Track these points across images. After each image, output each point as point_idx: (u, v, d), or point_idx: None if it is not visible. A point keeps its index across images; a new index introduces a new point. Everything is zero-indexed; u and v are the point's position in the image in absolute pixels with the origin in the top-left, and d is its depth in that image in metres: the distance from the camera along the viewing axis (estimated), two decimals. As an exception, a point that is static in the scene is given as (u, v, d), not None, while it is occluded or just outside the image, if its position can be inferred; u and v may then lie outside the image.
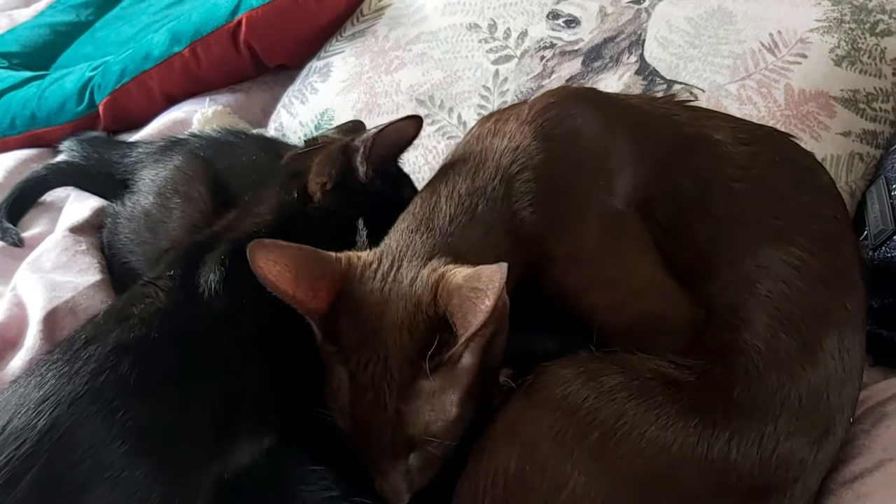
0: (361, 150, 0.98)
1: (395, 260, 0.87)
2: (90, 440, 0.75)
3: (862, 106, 1.19)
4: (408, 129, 0.99)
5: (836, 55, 1.20)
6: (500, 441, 0.85)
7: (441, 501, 0.88)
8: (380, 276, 0.86)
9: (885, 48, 1.21)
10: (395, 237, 0.91)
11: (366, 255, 0.89)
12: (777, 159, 0.97)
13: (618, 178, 0.93)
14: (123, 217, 1.21)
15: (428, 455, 0.85)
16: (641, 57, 1.25)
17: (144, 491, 0.75)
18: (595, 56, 1.29)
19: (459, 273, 0.80)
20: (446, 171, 0.97)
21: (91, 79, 1.57)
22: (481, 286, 0.76)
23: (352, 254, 0.88)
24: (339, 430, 0.86)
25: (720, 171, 0.95)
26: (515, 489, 0.84)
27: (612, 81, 1.24)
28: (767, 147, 0.98)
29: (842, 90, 1.19)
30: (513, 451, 0.84)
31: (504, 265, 0.76)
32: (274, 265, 0.83)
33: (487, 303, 0.75)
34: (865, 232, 1.10)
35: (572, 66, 1.27)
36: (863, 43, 1.21)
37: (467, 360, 0.83)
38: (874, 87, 1.20)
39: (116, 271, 1.22)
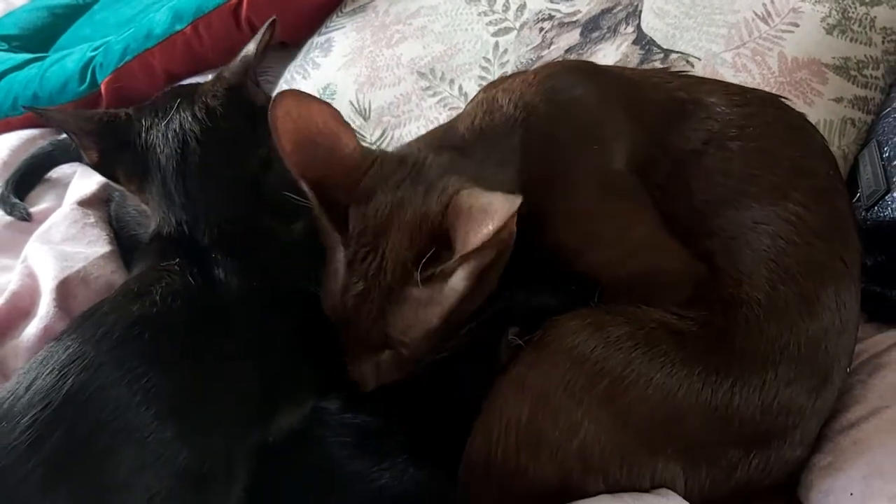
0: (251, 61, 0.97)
1: (415, 166, 0.90)
2: (116, 403, 0.76)
3: (853, 73, 1.22)
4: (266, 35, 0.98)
5: (828, 24, 1.23)
6: (512, 393, 0.88)
7: (453, 454, 0.91)
8: (398, 176, 0.88)
9: (875, 17, 1.24)
10: (420, 146, 0.93)
11: (390, 154, 0.92)
12: (770, 119, 1.00)
13: (614, 144, 0.96)
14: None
15: (400, 355, 0.88)
16: (638, 27, 1.28)
17: (172, 453, 0.76)
18: (593, 27, 1.31)
19: (474, 193, 0.82)
20: (463, 114, 1.00)
21: (92, 58, 1.58)
22: (490, 210, 0.78)
23: (376, 149, 0.92)
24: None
25: (716, 130, 0.97)
26: (528, 439, 0.87)
27: (611, 52, 1.27)
28: (760, 108, 1.00)
29: (833, 58, 1.22)
30: (525, 403, 0.87)
31: (518, 198, 0.78)
32: (288, 121, 0.84)
33: (490, 227, 0.77)
34: (858, 193, 1.14)
35: (571, 37, 1.30)
36: (853, 12, 1.23)
37: (459, 280, 0.85)
38: (864, 55, 1.23)
39: (125, 243, 1.24)
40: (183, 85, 1.03)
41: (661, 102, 1.00)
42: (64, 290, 1.12)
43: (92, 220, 1.26)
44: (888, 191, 1.08)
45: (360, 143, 0.91)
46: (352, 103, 1.40)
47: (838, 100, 1.21)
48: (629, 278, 0.93)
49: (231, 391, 0.84)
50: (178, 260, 0.89)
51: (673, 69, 1.21)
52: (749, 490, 0.90)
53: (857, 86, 1.22)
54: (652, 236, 0.94)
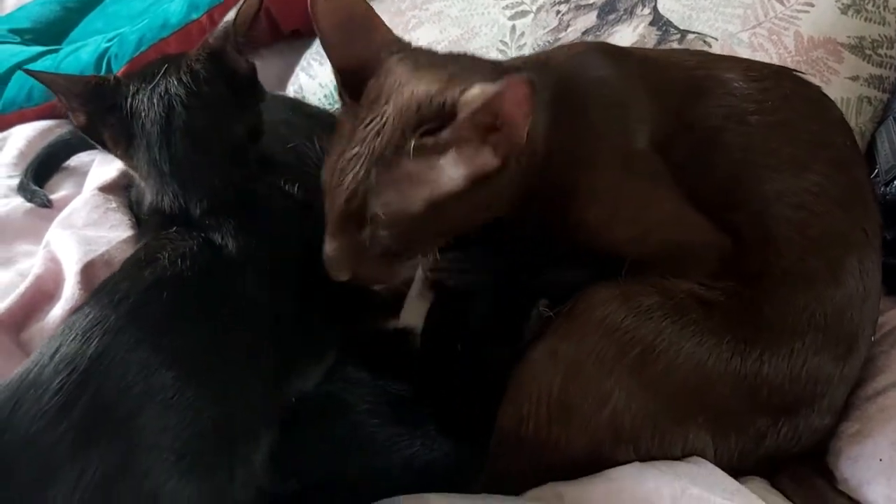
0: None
1: (446, 58, 0.90)
2: (139, 365, 0.76)
3: (868, 52, 1.23)
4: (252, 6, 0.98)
5: (842, 3, 1.24)
6: (543, 365, 0.88)
7: (482, 426, 0.92)
8: (425, 60, 0.87)
9: (889, -3, 1.25)
10: (452, 58, 0.92)
11: (425, 49, 0.91)
12: (788, 93, 1.00)
13: (638, 125, 0.96)
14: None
15: (375, 243, 0.84)
16: (655, 9, 1.29)
17: (196, 413, 0.77)
18: (609, 9, 1.32)
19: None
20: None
21: (107, 49, 1.59)
22: (503, 90, 0.74)
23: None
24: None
25: (735, 105, 0.97)
26: (560, 409, 0.87)
27: (627, 33, 1.28)
28: (777, 82, 1.00)
29: (848, 37, 1.23)
30: (556, 373, 0.87)
31: (532, 83, 0.74)
32: (327, 6, 0.86)
33: (499, 99, 0.74)
34: (876, 170, 1.15)
35: (587, 20, 1.31)
36: (867, -8, 1.25)
37: (453, 165, 0.80)
38: (879, 34, 1.24)
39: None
40: (168, 55, 1.03)
41: (681, 81, 1.00)
42: (88, 272, 1.12)
43: (113, 205, 1.27)
44: (906, 166, 1.09)
45: (395, 35, 0.91)
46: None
47: (854, 78, 1.22)
48: (654, 255, 0.93)
49: (248, 350, 0.85)
50: (175, 228, 0.90)
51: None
52: (777, 458, 0.91)
53: (873, 64, 1.23)
54: (676, 212, 0.94)
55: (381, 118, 0.82)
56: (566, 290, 0.92)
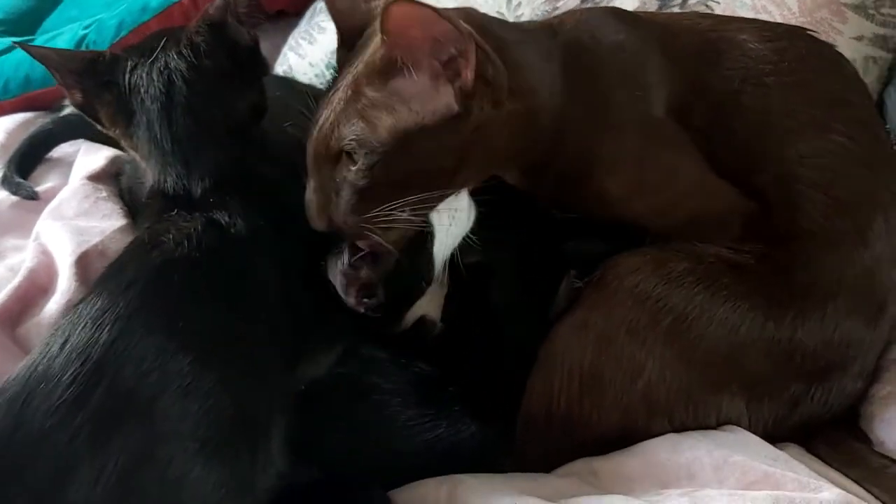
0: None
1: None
2: (155, 351, 0.73)
3: (871, 11, 1.21)
4: None
5: (844, -37, 1.22)
6: (574, 337, 0.86)
7: (507, 407, 0.89)
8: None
9: (888, -45, 1.24)
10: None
11: None
12: (803, 52, 0.98)
13: (655, 91, 0.94)
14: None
15: (350, 183, 0.82)
16: (656, -27, 1.26)
17: (215, 399, 0.73)
18: (609, -26, 1.29)
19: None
20: None
21: (85, 36, 1.53)
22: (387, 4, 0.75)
23: None
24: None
25: (751, 67, 0.95)
26: (592, 383, 0.85)
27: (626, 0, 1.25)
28: (792, 42, 0.99)
29: (851, -4, 1.21)
30: (587, 346, 0.85)
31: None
32: None
33: (386, 13, 0.74)
34: (887, 128, 1.13)
35: (589, -13, 1.28)
36: (867, -49, 1.23)
37: (412, 97, 0.80)
38: (881, -7, 1.22)
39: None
40: (167, 28, 0.99)
41: (694, 45, 0.98)
42: (83, 264, 1.08)
43: (104, 194, 1.22)
44: (919, 124, 1.08)
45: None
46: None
47: (859, 38, 1.20)
48: (678, 223, 0.92)
49: (262, 332, 0.82)
50: (176, 210, 0.86)
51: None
52: (811, 424, 0.89)
53: (876, 24, 1.21)
54: (698, 180, 0.92)
55: (359, 59, 0.82)
56: (592, 261, 0.89)
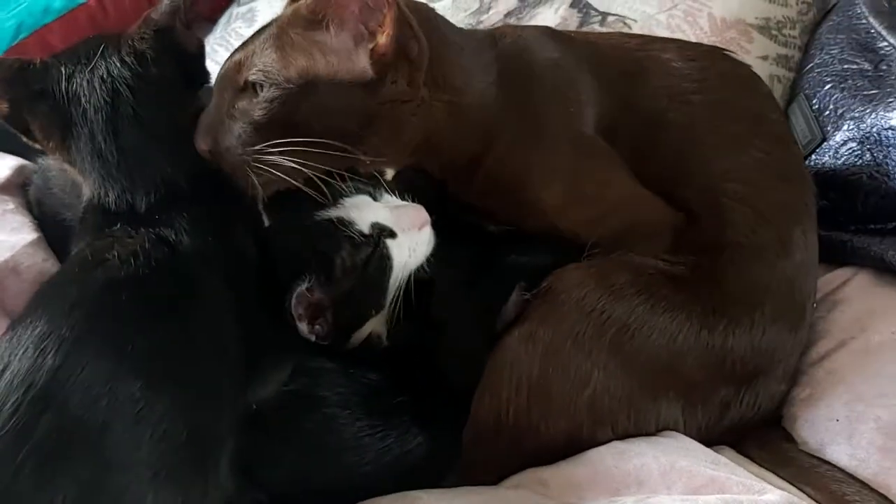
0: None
1: None
2: (105, 376, 0.69)
3: (774, 32, 1.29)
4: None
5: (749, -14, 1.29)
6: (522, 349, 0.87)
7: (456, 417, 0.90)
8: None
9: (787, -20, 1.31)
10: None
11: None
12: (723, 71, 1.04)
13: (587, 109, 0.97)
14: (55, 170, 1.13)
15: (245, 115, 0.84)
16: (575, -10, 1.29)
17: (168, 424, 0.70)
18: (531, -9, 1.31)
19: None
20: None
21: (-24, 37, 1.44)
22: None
23: None
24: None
25: (676, 86, 1.00)
26: (540, 394, 0.87)
27: (549, 15, 1.27)
28: (713, 61, 1.04)
29: (756, 18, 1.28)
30: (535, 357, 0.87)
31: None
32: None
33: None
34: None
35: (509, 2, 1.29)
36: (769, -25, 1.30)
37: (330, 50, 0.82)
38: (782, 16, 1.30)
39: (50, 230, 1.13)
40: (102, 34, 0.93)
41: (623, 65, 1.02)
42: (-6, 281, 1.02)
43: (11, 206, 1.14)
44: (824, 139, 1.15)
45: None
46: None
47: (764, 57, 1.27)
48: (611, 234, 0.94)
49: (213, 353, 0.78)
50: (119, 225, 0.82)
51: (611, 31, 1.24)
52: (739, 428, 0.94)
53: (779, 44, 1.29)
54: (629, 193, 0.96)
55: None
56: (535, 274, 0.91)
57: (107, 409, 0.68)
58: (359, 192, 0.91)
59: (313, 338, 0.84)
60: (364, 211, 0.89)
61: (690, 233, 0.94)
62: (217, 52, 1.40)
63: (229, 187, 0.88)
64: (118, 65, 0.85)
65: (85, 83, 0.84)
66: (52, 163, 1.13)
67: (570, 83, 0.98)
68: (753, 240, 0.93)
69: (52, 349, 0.69)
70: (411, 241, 0.89)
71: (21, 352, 0.69)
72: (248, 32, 1.35)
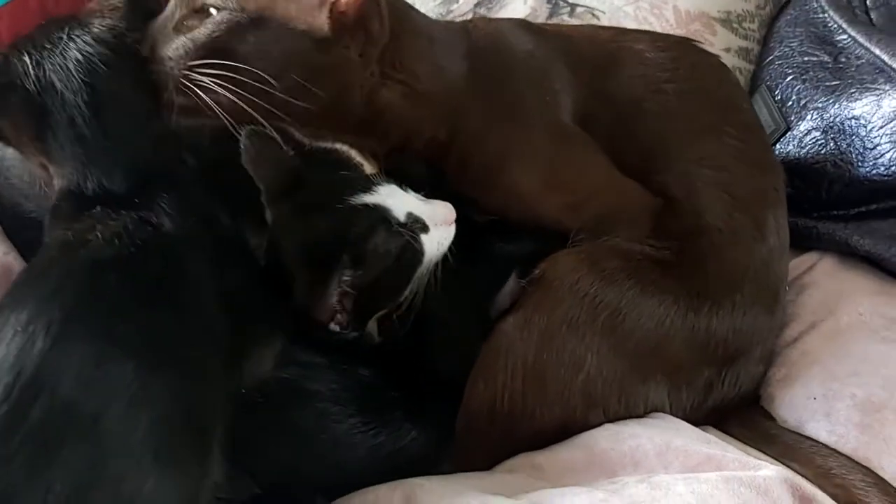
0: None
1: None
2: (95, 359, 0.66)
3: (735, 25, 1.32)
4: None
5: (709, -21, 1.32)
6: (517, 335, 0.88)
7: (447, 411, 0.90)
8: None
9: (745, -25, 1.35)
10: None
11: None
12: (695, 60, 1.07)
13: (562, 98, 0.99)
14: (12, 159, 1.08)
15: (196, 28, 0.81)
16: (544, -19, 1.30)
17: (164, 406, 0.68)
18: (500, -19, 1.32)
19: None
20: None
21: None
22: None
23: None
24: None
25: (650, 75, 1.03)
26: (535, 379, 0.87)
27: (518, 5, 1.28)
28: (684, 51, 1.07)
29: (718, 11, 1.31)
30: (531, 343, 0.87)
31: None
32: None
33: None
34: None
35: (479, -10, 1.30)
36: (728, -30, 1.34)
37: None
38: (742, 9, 1.33)
39: (8, 221, 1.09)
40: (56, 17, 0.89)
41: (597, 56, 1.04)
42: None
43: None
44: (787, 129, 1.18)
45: None
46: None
47: (727, 50, 1.30)
48: (592, 218, 0.96)
49: (202, 333, 0.76)
50: (99, 208, 0.79)
51: (581, 23, 1.26)
52: (721, 408, 0.96)
53: (739, 37, 1.32)
54: (607, 178, 0.98)
55: None
56: (524, 261, 0.92)
57: (100, 393, 0.65)
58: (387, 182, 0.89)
59: (337, 328, 0.83)
60: (399, 200, 0.87)
61: (670, 218, 0.96)
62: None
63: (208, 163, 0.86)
64: (93, 42, 0.82)
65: (58, 67, 0.80)
66: (9, 152, 1.08)
67: (544, 73, 0.99)
68: (731, 224, 0.96)
69: (41, 332, 0.66)
70: (440, 235, 0.88)
71: (8, 337, 0.66)
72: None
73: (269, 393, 0.83)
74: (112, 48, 0.82)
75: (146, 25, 0.85)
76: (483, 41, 0.98)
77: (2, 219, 1.09)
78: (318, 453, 0.85)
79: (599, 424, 0.88)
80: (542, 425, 0.88)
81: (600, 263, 0.89)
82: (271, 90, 0.80)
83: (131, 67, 0.83)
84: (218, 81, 0.79)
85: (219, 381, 0.76)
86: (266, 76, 0.80)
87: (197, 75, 0.80)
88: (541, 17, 1.27)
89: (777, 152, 1.18)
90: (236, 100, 0.79)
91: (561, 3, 1.28)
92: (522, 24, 1.06)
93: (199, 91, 0.80)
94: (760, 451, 0.90)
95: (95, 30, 0.83)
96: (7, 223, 1.09)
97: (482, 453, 0.89)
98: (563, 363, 0.87)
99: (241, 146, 0.84)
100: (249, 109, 0.80)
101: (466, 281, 0.92)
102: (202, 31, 0.81)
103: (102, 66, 0.81)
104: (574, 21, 1.27)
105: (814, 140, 1.15)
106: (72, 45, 0.82)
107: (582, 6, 1.28)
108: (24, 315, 0.67)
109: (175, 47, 0.82)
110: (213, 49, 0.80)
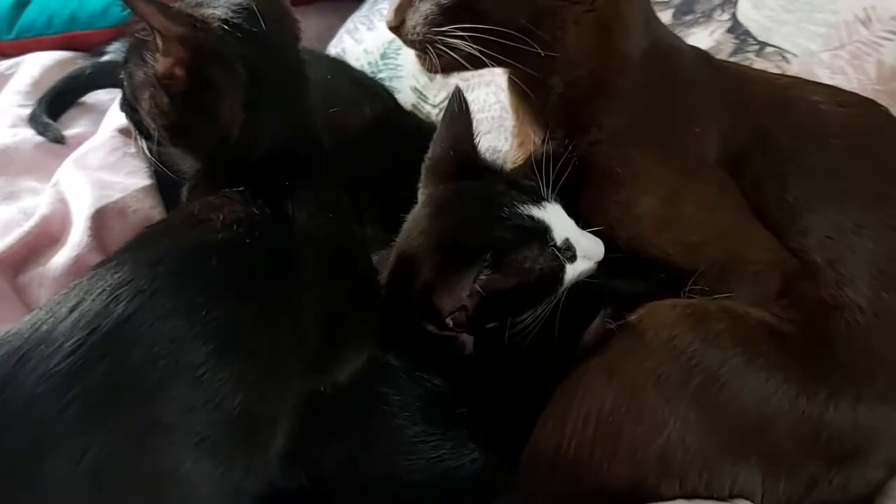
0: None
1: None
2: (171, 335, 0.67)
3: (949, 91, 1.17)
4: None
5: (930, 36, 1.18)
6: (597, 381, 0.82)
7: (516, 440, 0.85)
8: None
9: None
10: None
11: None
12: (874, 122, 0.97)
13: (712, 133, 0.93)
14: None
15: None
16: (734, 16, 1.22)
17: (227, 396, 0.67)
18: (686, 9, 1.26)
19: None
20: None
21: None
22: None
23: None
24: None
25: (818, 127, 0.94)
26: (607, 432, 0.81)
27: (703, 37, 1.21)
28: (864, 111, 0.98)
29: (932, 75, 1.17)
30: (610, 392, 0.81)
31: None
32: None
33: None
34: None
35: (663, 18, 1.23)
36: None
37: None
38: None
39: (164, 179, 1.16)
40: None
41: (768, 98, 0.97)
42: (99, 219, 1.05)
43: (132, 150, 1.18)
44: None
45: None
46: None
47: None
48: (711, 265, 0.88)
49: (294, 335, 0.76)
50: (243, 188, 0.80)
51: (767, 63, 1.17)
52: (824, 509, 0.85)
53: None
54: (738, 223, 0.91)
55: None
56: (628, 302, 0.85)
57: (166, 368, 0.66)
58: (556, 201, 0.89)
59: (451, 324, 0.81)
60: (561, 222, 0.86)
61: (804, 284, 0.87)
62: (358, 30, 1.41)
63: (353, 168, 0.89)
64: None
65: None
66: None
67: (702, 105, 0.94)
68: (875, 304, 0.85)
69: (127, 298, 0.67)
70: (581, 268, 0.86)
71: (96, 293, 0.68)
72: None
73: (338, 387, 0.83)
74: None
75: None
76: (665, 45, 0.96)
77: (159, 176, 1.17)
78: (377, 456, 0.84)
79: (673, 497, 0.81)
80: (609, 482, 0.81)
81: (706, 322, 0.81)
82: (511, 34, 0.85)
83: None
84: (465, 39, 0.86)
85: (296, 383, 0.76)
86: (501, 28, 0.84)
87: (447, 37, 0.87)
88: (725, 52, 1.20)
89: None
90: (482, 49, 0.86)
91: (750, 40, 1.20)
92: (704, 55, 1.02)
93: (448, 51, 0.87)
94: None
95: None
96: (163, 181, 1.16)
97: (543, 498, 0.84)
98: (642, 421, 0.80)
99: (448, 102, 0.94)
100: (494, 54, 0.86)
101: (559, 308, 0.87)
102: None
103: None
104: (760, 61, 1.18)
105: None
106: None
107: (772, 46, 1.19)
108: (118, 277, 0.70)
109: (423, 15, 0.88)
110: (456, 12, 0.86)
